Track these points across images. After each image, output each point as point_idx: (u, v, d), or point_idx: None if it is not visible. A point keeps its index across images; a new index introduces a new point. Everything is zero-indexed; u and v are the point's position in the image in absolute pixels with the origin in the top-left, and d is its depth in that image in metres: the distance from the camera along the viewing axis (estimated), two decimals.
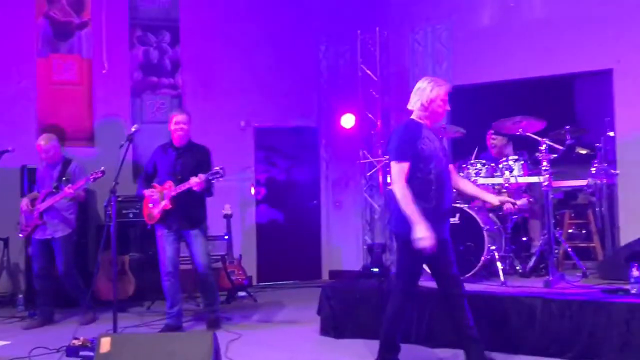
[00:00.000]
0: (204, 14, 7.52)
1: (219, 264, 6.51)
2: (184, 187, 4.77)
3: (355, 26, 7.39)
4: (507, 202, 3.64)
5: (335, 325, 4.83)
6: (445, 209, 3.65)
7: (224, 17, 7.56)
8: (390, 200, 3.87)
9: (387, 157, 3.80)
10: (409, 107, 3.73)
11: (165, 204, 4.86)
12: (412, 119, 3.70)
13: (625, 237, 5.87)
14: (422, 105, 3.63)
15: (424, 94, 3.62)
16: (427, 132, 3.64)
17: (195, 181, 4.68)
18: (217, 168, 4.71)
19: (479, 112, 6.70)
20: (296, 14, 7.75)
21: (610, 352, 3.83)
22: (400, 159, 3.55)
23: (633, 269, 4.11)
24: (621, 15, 6.26)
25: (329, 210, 7.79)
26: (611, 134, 5.69)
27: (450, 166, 3.86)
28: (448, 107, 3.67)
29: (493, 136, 5.92)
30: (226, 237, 6.61)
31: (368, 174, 7.29)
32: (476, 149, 5.64)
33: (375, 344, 3.88)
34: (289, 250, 7.60)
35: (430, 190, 3.56)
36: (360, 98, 7.32)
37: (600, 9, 6.36)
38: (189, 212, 4.94)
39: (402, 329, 3.84)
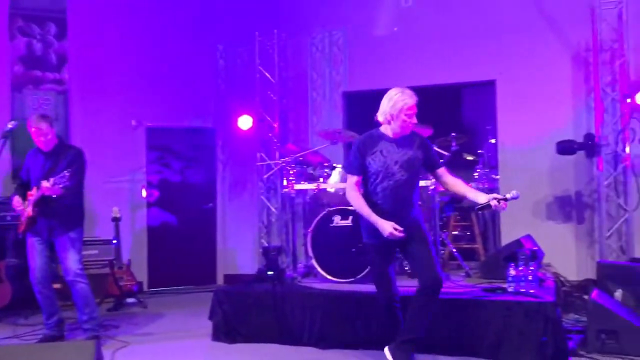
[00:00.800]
0: (94, 6, 7.14)
1: (107, 270, 6.24)
2: (39, 193, 4.46)
3: (253, 27, 7.33)
4: (495, 198, 3.55)
5: (228, 330, 4.75)
6: (398, 222, 3.63)
7: (116, 10, 7.21)
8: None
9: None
10: (378, 117, 3.77)
11: (28, 211, 4.55)
12: (375, 131, 3.80)
13: (506, 238, 6.27)
14: (390, 115, 3.67)
15: (392, 105, 3.66)
16: (387, 144, 3.71)
17: (45, 186, 4.35)
18: (65, 172, 4.33)
19: (373, 117, 6.88)
20: (193, 11, 7.56)
21: (489, 348, 4.05)
22: (349, 172, 3.83)
23: (510, 269, 4.38)
24: (503, 31, 6.68)
25: (225, 213, 7.66)
26: (493, 141, 6.03)
27: (442, 169, 3.89)
28: (415, 120, 3.71)
29: None
30: (114, 241, 6.31)
31: (265, 177, 7.25)
32: None
33: (269, 348, 3.85)
34: (182, 254, 7.38)
35: (377, 205, 3.70)
36: (258, 100, 7.28)
37: (486, 24, 6.75)
38: (56, 218, 4.58)
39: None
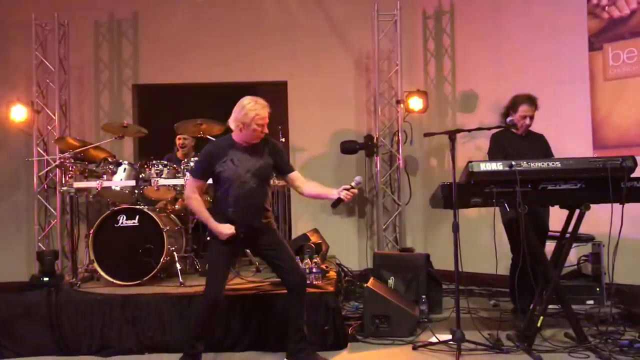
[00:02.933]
0: None
1: None
2: None
3: (29, 9, 6.61)
4: (344, 189, 3.63)
5: None
6: (249, 227, 3.69)
7: None
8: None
9: None
10: (230, 124, 3.71)
11: None
12: (226, 138, 3.79)
13: (296, 233, 6.53)
14: (242, 124, 3.64)
15: (244, 114, 3.62)
16: (238, 153, 3.69)
17: None
18: None
19: (166, 112, 6.67)
20: None
21: (277, 341, 4.14)
22: (194, 175, 3.80)
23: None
24: (295, 33, 6.95)
25: None
26: (283, 139, 6.23)
27: (294, 174, 3.86)
28: (266, 130, 3.71)
29: (183, 137, 5.96)
30: None
31: (42, 173, 6.58)
32: None
33: None
34: None
35: (228, 211, 3.67)
36: (35, 89, 6.57)
37: (279, 27, 6.97)
38: None
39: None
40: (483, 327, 4.40)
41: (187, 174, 3.70)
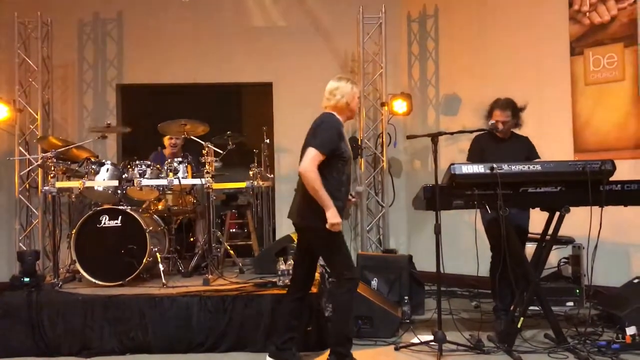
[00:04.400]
0: None
1: None
2: None
3: (12, 6, 6.54)
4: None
5: None
6: (343, 211, 3.60)
7: None
8: (302, 195, 3.57)
9: (310, 143, 3.51)
10: (328, 104, 3.64)
11: None
12: (331, 115, 3.63)
13: (280, 234, 6.53)
14: (345, 104, 3.61)
15: (348, 94, 3.61)
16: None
17: None
18: None
19: (150, 112, 6.66)
20: None
21: (258, 340, 4.16)
22: (322, 149, 3.47)
23: (279, 263, 4.55)
24: (280, 34, 6.97)
25: None
26: (267, 141, 6.23)
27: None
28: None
29: (175, 137, 5.92)
30: None
31: (23, 173, 6.51)
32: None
33: None
34: None
35: (340, 191, 3.56)
36: (17, 88, 6.51)
37: (265, 29, 6.99)
38: None
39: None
40: (464, 328, 4.44)
41: (311, 149, 3.48)
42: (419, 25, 6.93)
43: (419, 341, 4.14)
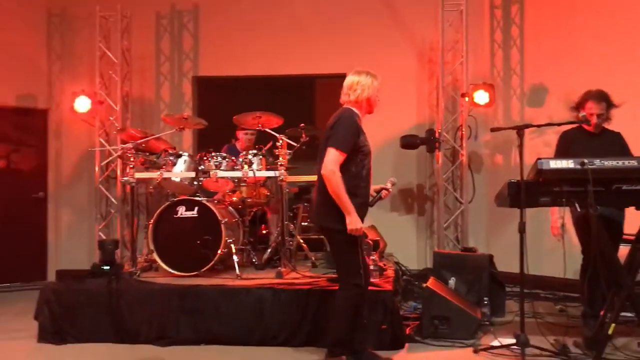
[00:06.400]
0: None
1: None
2: None
3: (93, 1, 6.73)
4: (382, 189, 3.71)
5: (55, 330, 4.35)
6: (367, 206, 3.58)
7: None
8: (320, 193, 3.55)
9: (329, 141, 3.46)
10: (348, 99, 3.59)
11: None
12: (355, 111, 3.56)
13: None
14: (365, 98, 3.56)
15: (369, 87, 3.56)
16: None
17: None
18: None
19: (225, 104, 6.69)
20: None
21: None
22: (342, 148, 3.42)
23: None
24: (357, 30, 6.78)
25: (58, 203, 6.99)
26: None
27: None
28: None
29: (251, 132, 5.92)
30: None
31: (104, 164, 6.72)
32: None
33: (100, 347, 3.54)
34: (7, 247, 6.61)
35: (360, 187, 3.50)
36: (98, 81, 6.71)
37: (338, 16, 6.84)
38: None
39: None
40: (548, 333, 4.17)
41: (331, 149, 3.41)
42: (502, 11, 6.60)
43: (499, 344, 3.94)
